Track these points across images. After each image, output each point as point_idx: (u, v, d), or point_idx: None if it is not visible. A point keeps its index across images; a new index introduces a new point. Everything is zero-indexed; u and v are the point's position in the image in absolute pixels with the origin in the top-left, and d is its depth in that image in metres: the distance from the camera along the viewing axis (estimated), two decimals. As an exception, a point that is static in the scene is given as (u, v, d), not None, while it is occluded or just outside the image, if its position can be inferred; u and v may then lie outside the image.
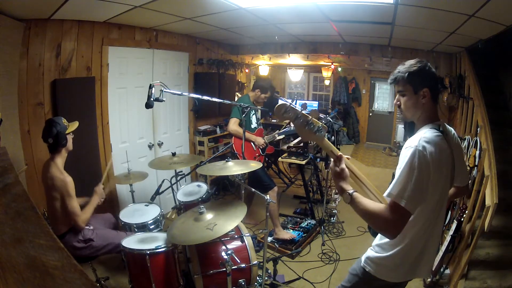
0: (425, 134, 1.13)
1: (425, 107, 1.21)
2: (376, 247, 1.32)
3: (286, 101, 3.61)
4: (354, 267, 1.42)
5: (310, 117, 1.18)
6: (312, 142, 3.36)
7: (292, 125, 1.23)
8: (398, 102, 1.27)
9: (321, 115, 3.18)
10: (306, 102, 6.83)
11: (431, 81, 1.20)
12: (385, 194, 1.11)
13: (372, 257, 1.32)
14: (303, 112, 1.18)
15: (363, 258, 1.37)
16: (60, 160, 1.95)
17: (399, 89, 1.25)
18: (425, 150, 1.07)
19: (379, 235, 1.33)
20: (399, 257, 1.24)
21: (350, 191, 1.14)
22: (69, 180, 1.90)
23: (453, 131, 1.28)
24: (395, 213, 1.05)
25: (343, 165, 1.17)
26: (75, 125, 2.05)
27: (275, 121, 5.82)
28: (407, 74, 1.20)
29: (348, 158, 1.21)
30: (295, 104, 5.57)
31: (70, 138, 2.01)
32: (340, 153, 1.19)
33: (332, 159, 1.19)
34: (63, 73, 2.60)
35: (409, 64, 1.21)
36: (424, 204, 1.12)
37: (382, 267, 1.29)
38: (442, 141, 1.13)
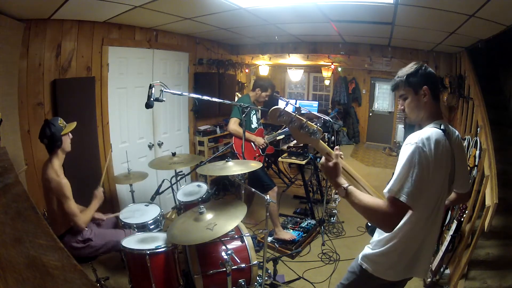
0: (425, 131, 1.14)
1: (427, 106, 1.24)
2: (373, 243, 1.34)
3: (283, 100, 3.62)
4: (352, 265, 1.44)
5: (305, 120, 1.18)
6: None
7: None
8: (402, 107, 1.31)
9: (318, 114, 3.16)
10: (302, 102, 6.55)
11: (429, 80, 1.23)
12: (385, 190, 1.12)
13: (368, 254, 1.33)
14: (297, 115, 1.19)
15: (360, 255, 1.38)
16: (57, 162, 1.93)
17: (400, 93, 1.29)
18: (424, 147, 1.08)
19: (376, 234, 1.34)
20: (395, 255, 1.25)
21: (345, 185, 1.16)
22: (64, 182, 1.87)
23: (456, 132, 1.28)
24: (395, 208, 1.06)
25: (335, 160, 1.18)
26: (72, 126, 2.02)
27: (275, 121, 5.81)
28: (405, 77, 1.25)
29: (341, 157, 1.21)
30: (295, 104, 5.56)
31: (66, 139, 1.98)
32: (336, 151, 1.21)
33: (323, 157, 1.21)
34: (63, 73, 2.60)
35: (406, 68, 1.27)
36: (422, 201, 1.12)
37: (379, 265, 1.30)
38: (442, 139, 1.13)
